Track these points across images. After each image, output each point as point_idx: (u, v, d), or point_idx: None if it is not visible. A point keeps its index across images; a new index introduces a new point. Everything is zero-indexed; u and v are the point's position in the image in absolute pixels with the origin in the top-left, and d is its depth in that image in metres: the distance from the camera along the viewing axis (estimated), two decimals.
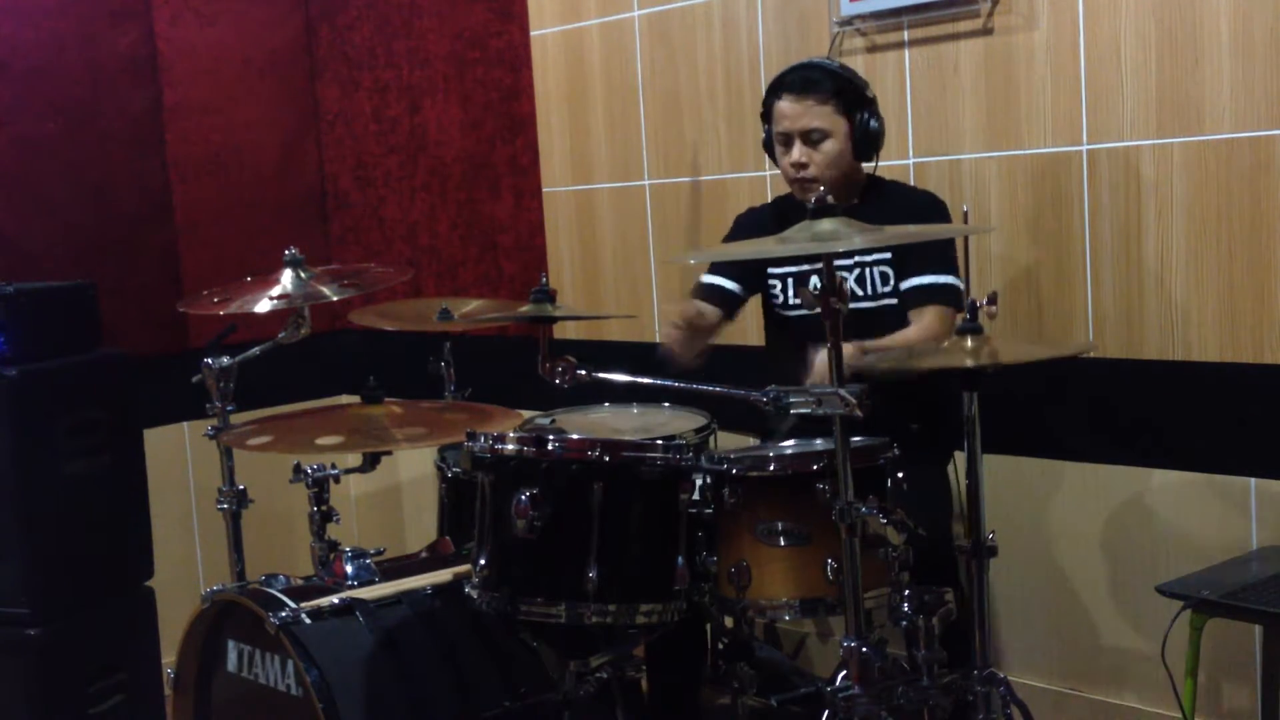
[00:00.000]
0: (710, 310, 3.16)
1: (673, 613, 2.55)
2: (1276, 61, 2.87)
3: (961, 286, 3.00)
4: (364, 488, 4.79)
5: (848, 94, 3.03)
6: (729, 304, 3.20)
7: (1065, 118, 3.18)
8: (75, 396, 3.37)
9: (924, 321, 2.96)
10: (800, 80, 3.04)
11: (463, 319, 3.62)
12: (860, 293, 3.06)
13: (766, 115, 3.11)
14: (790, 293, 3.16)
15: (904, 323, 3.00)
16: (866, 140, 3.03)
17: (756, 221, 3.24)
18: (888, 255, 3.02)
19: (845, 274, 3.05)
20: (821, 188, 2.99)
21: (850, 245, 2.40)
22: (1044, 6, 3.18)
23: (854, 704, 2.36)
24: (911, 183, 3.38)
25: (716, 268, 3.23)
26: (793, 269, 3.15)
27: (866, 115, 3.03)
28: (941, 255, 3.00)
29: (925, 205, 3.08)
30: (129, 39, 4.32)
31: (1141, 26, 3.04)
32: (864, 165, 3.12)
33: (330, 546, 3.11)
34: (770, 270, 3.20)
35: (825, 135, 3.02)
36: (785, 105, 3.05)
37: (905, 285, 3.01)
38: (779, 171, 3.14)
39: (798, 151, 3.04)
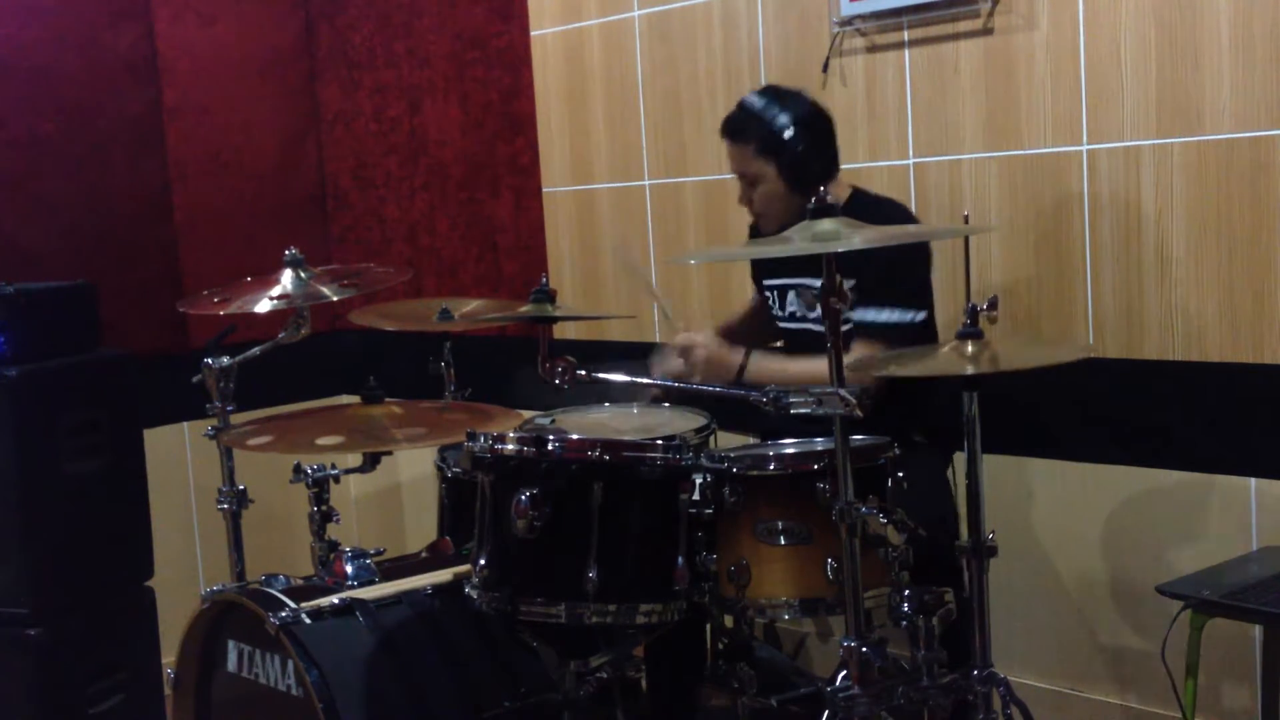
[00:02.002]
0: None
1: (673, 613, 2.54)
2: (1276, 61, 2.87)
3: (908, 322, 2.94)
4: (364, 488, 4.79)
5: (765, 138, 3.01)
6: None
7: (1065, 118, 3.17)
8: (75, 396, 3.37)
9: (851, 354, 2.89)
10: (729, 125, 3.08)
11: (463, 319, 3.62)
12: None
13: None
14: (778, 305, 3.19)
15: None
16: (796, 177, 2.99)
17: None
18: (852, 281, 2.98)
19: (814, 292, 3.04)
20: (770, 221, 3.04)
21: (850, 245, 2.40)
22: (1044, 6, 3.17)
23: (854, 704, 2.35)
24: (911, 183, 3.39)
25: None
26: (781, 280, 3.17)
27: (788, 153, 2.98)
28: (900, 290, 2.94)
29: (900, 220, 3.05)
30: (129, 39, 4.32)
31: (1141, 27, 3.04)
32: (847, 180, 3.11)
33: (330, 546, 3.11)
34: (764, 282, 3.24)
35: (757, 179, 3.05)
36: (726, 147, 3.11)
37: (853, 316, 2.92)
38: None
39: (742, 192, 3.10)
